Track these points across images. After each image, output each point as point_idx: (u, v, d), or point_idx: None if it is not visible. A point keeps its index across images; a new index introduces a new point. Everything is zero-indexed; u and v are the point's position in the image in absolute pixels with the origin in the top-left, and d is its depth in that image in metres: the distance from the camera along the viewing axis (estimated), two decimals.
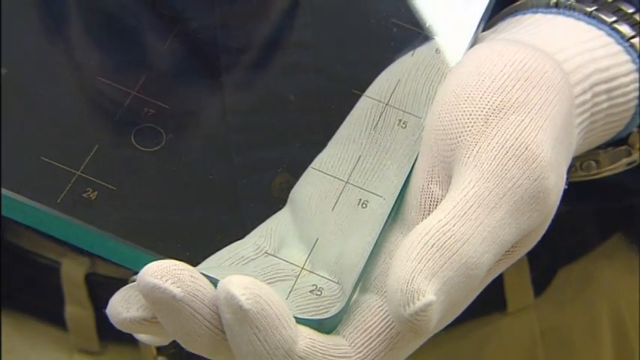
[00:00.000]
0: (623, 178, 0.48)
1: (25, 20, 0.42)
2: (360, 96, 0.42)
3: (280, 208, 0.40)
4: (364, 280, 0.38)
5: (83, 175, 0.38)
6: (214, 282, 0.36)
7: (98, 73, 0.41)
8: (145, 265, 0.35)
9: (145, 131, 0.40)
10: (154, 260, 0.35)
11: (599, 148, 0.46)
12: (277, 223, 0.40)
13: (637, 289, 0.62)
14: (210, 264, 0.38)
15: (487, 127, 0.37)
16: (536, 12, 0.44)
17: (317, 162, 0.40)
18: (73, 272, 0.57)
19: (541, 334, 0.60)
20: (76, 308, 0.57)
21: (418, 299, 0.34)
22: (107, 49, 0.42)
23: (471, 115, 0.37)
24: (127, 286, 0.37)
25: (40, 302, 0.59)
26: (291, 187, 0.40)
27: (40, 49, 0.42)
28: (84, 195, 0.38)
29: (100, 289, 0.57)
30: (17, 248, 0.58)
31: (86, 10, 0.43)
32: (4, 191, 0.37)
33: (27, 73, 0.41)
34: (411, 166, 0.39)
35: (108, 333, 0.57)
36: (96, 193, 0.38)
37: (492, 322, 0.59)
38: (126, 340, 0.52)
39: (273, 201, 0.40)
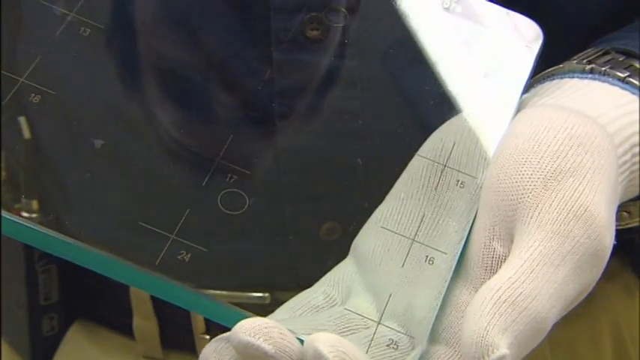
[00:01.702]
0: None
1: (119, 96, 0.44)
2: (411, 156, 0.42)
3: (326, 251, 0.42)
4: (432, 331, 0.39)
5: (177, 238, 0.39)
6: (299, 338, 0.37)
7: (186, 144, 0.43)
8: (238, 322, 0.36)
9: (229, 196, 0.41)
10: (246, 318, 0.36)
11: (630, 200, 0.47)
12: (343, 273, 0.41)
13: (635, 308, 0.64)
14: (284, 312, 0.39)
15: (546, 190, 0.38)
16: (573, 77, 0.45)
17: (378, 216, 0.41)
18: None
19: (550, 347, 0.61)
20: (143, 320, 0.59)
21: (492, 352, 0.35)
22: (192, 122, 0.44)
23: (530, 178, 0.38)
24: (218, 337, 0.38)
25: (111, 314, 0.61)
26: (336, 232, 0.42)
27: (135, 123, 0.44)
28: (179, 257, 0.39)
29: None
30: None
31: (174, 91, 0.45)
32: (109, 256, 0.38)
33: (123, 145, 0.42)
34: (470, 223, 0.40)
35: (170, 342, 0.60)
36: (189, 255, 0.39)
37: None
38: (186, 348, 0.57)
39: (321, 243, 0.43)
